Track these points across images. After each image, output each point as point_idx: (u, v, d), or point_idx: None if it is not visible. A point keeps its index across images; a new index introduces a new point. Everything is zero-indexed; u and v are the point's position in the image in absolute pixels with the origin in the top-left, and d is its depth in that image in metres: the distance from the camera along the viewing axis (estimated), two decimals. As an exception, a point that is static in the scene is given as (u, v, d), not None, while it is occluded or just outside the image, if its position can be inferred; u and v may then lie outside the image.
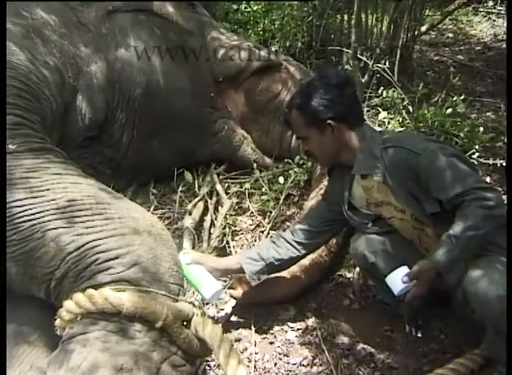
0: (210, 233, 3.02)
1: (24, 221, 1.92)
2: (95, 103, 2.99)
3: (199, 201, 3.24)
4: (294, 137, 3.53)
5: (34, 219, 1.92)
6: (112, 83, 3.11)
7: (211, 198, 3.31)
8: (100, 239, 1.92)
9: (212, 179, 3.48)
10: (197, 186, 3.39)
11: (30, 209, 1.93)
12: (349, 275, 2.76)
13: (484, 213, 1.87)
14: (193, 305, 1.98)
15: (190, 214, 3.11)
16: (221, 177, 3.54)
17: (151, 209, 3.22)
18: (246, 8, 5.70)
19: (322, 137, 2.17)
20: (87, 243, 1.91)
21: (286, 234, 2.45)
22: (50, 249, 1.91)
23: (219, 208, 3.24)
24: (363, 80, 3.86)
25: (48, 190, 2.00)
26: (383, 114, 4.10)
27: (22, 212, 1.92)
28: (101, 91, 3.03)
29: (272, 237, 2.72)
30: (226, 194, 3.35)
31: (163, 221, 3.13)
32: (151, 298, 1.84)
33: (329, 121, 2.13)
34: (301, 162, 3.41)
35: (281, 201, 3.24)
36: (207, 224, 3.09)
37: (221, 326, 1.87)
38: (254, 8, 5.59)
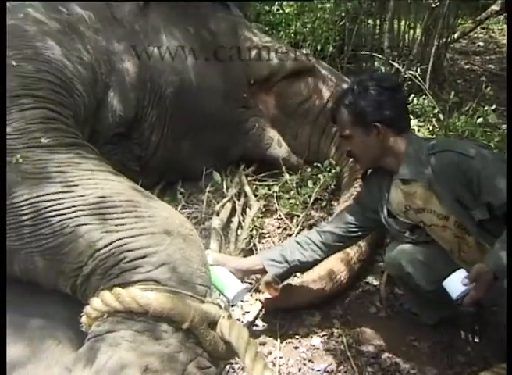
0: (237, 235, 3.01)
1: (54, 215, 1.92)
2: (126, 100, 3.00)
3: (227, 202, 3.23)
4: (322, 141, 3.56)
5: (64, 214, 1.92)
6: (144, 81, 3.10)
7: (239, 200, 3.30)
8: (129, 237, 1.92)
9: (241, 180, 3.47)
10: (225, 187, 3.38)
11: (61, 204, 1.93)
12: (376, 283, 2.74)
13: None
14: (220, 307, 1.97)
15: (218, 215, 3.11)
16: (249, 179, 3.53)
17: (179, 208, 3.21)
18: (278, 10, 5.70)
19: (367, 138, 2.14)
20: (116, 240, 1.90)
21: (313, 235, 2.42)
22: (78, 245, 1.91)
23: (247, 209, 3.24)
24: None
25: (78, 185, 2.00)
26: (413, 121, 4.08)
27: (52, 206, 1.92)
28: (132, 89, 3.03)
29: (296, 237, 2.70)
30: (255, 196, 3.34)
31: (190, 221, 3.12)
32: (179, 299, 1.83)
33: (376, 123, 2.09)
34: (330, 166, 3.40)
35: (309, 205, 3.23)
36: (234, 225, 3.08)
37: (247, 329, 1.87)
38: (286, 11, 5.58)
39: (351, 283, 2.69)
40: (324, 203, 3.30)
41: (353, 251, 2.69)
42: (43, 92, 2.29)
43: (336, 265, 2.57)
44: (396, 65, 4.26)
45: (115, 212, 1.98)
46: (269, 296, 2.48)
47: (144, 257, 1.89)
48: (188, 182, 3.50)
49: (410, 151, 2.12)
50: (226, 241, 2.95)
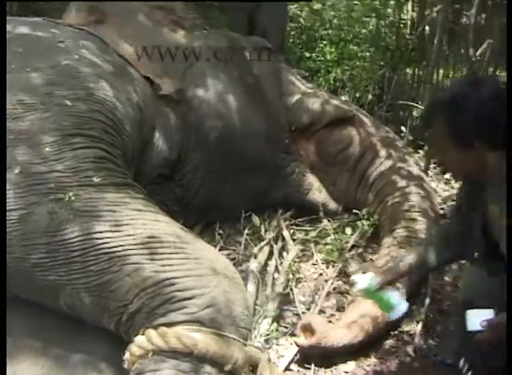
0: (274, 279, 3.04)
1: (103, 253, 1.98)
2: (171, 142, 3.09)
3: (265, 245, 3.28)
4: (360, 189, 3.57)
5: (113, 253, 1.99)
6: (189, 125, 3.20)
7: (276, 243, 3.34)
8: (176, 278, 1.97)
9: (279, 224, 3.51)
10: (263, 230, 3.42)
11: (110, 243, 2.00)
12: (411, 331, 2.73)
13: None
14: (260, 350, 2.00)
15: (256, 257, 3.15)
16: (287, 223, 3.57)
17: (217, 249, 3.26)
18: (318, 56, 5.82)
19: (464, 153, 1.96)
20: (163, 280, 1.96)
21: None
22: (125, 283, 1.97)
23: (284, 253, 3.27)
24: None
25: (128, 224, 2.07)
26: (450, 173, 4.11)
27: (101, 244, 1.99)
28: (177, 131, 3.13)
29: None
30: (292, 240, 3.38)
31: (228, 262, 3.20)
32: (223, 341, 1.87)
33: (476, 141, 1.91)
34: (368, 214, 3.43)
35: (346, 252, 3.26)
36: (271, 269, 3.11)
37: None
38: (327, 57, 5.71)
39: (386, 331, 2.69)
40: (360, 250, 3.33)
41: None
42: (95, 132, 2.38)
43: (372, 311, 2.58)
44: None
45: (162, 253, 2.04)
46: (305, 340, 2.49)
47: (191, 298, 1.94)
48: (226, 223, 3.55)
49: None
50: (263, 284, 2.98)
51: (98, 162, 2.27)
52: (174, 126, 3.13)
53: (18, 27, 2.79)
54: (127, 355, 1.96)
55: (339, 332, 2.53)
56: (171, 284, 1.97)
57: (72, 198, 2.07)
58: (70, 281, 2.00)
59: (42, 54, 2.63)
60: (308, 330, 2.50)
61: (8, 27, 2.73)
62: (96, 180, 2.18)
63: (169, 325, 1.91)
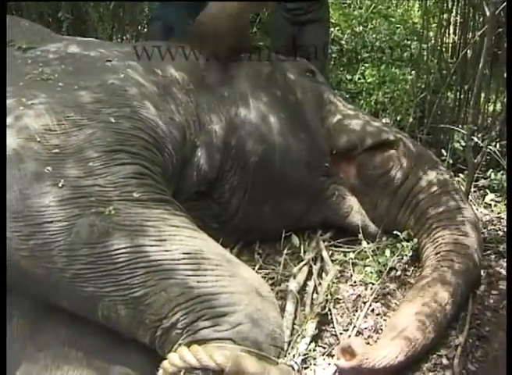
0: (312, 299, 3.07)
1: (140, 267, 2.06)
2: (211, 161, 3.16)
3: (304, 265, 3.31)
4: (401, 213, 3.55)
5: (150, 267, 2.06)
6: (229, 147, 3.26)
7: (315, 264, 3.37)
8: (210, 294, 2.03)
9: (318, 245, 3.54)
10: (302, 250, 3.46)
11: (147, 257, 2.07)
12: (449, 355, 2.72)
13: None
14: (293, 368, 2.02)
15: (295, 277, 3.19)
16: (326, 244, 3.59)
17: (256, 268, 3.32)
18: (359, 79, 5.86)
19: None
20: (196, 297, 2.02)
21: None
22: (161, 298, 2.03)
23: (323, 274, 3.30)
24: (475, 161, 3.85)
25: (166, 240, 2.14)
26: (490, 196, 4.11)
27: (139, 258, 2.07)
28: (218, 151, 3.20)
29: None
30: (331, 261, 3.40)
31: (267, 281, 3.23)
32: (254, 360, 1.90)
33: None
34: (408, 237, 3.42)
35: (384, 275, 3.26)
36: (310, 289, 3.15)
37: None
38: (368, 80, 5.74)
39: (424, 355, 2.69)
40: (398, 273, 3.32)
41: (428, 321, 2.69)
42: (137, 149, 2.47)
43: (412, 333, 2.59)
44: (476, 139, 4.28)
45: (198, 269, 2.11)
46: (346, 362, 2.49)
47: (223, 316, 1.99)
48: (266, 243, 3.61)
49: None
50: (302, 304, 3.02)
51: (139, 178, 2.36)
52: (215, 146, 3.20)
53: (70, 47, 2.98)
54: (160, 372, 2.00)
55: (379, 353, 2.54)
56: (204, 301, 2.02)
57: (112, 212, 2.16)
58: (108, 293, 2.07)
59: (90, 73, 2.76)
60: (348, 352, 2.51)
61: (61, 46, 2.90)
62: (136, 195, 2.27)
63: (201, 342, 1.96)
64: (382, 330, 2.88)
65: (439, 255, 3.10)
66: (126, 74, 2.87)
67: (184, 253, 2.14)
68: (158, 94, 2.93)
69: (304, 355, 2.62)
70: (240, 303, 2.04)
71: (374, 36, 6.65)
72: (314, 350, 2.69)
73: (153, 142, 2.62)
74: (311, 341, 2.70)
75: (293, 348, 2.67)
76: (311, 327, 2.78)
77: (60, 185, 2.15)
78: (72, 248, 2.07)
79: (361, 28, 6.83)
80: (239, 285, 2.12)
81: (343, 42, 6.72)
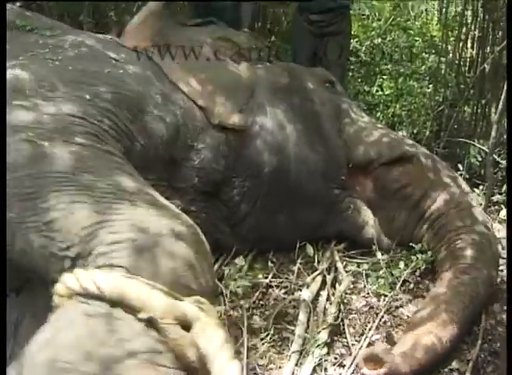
0: (325, 309, 3.09)
1: (54, 191, 2.02)
2: (215, 165, 3.20)
3: (318, 275, 3.33)
4: (418, 227, 3.55)
5: (63, 191, 2.02)
6: (242, 154, 3.30)
7: (329, 274, 3.39)
8: (115, 221, 1.96)
9: (332, 255, 3.57)
10: (316, 260, 3.49)
11: (62, 182, 2.05)
12: (461, 369, 2.72)
13: None
14: (202, 310, 1.81)
15: (308, 287, 3.21)
16: (340, 254, 3.61)
17: (270, 277, 3.35)
18: (377, 91, 5.88)
19: None
20: (101, 222, 1.95)
21: None
22: (68, 222, 1.95)
23: (336, 284, 3.32)
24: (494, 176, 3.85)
25: (88, 172, 2.13)
26: (505, 211, 4.10)
27: (54, 182, 2.05)
28: (223, 157, 3.23)
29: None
30: (345, 272, 3.42)
31: (280, 290, 3.27)
32: (143, 289, 1.74)
33: None
34: (423, 249, 3.43)
35: (398, 287, 3.27)
36: (323, 299, 3.16)
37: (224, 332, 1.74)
38: (386, 92, 5.76)
39: (435, 368, 2.69)
40: (411, 286, 3.34)
41: (444, 333, 2.69)
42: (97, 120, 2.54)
43: (423, 347, 2.59)
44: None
45: (113, 199, 2.05)
46: (372, 371, 2.49)
47: (122, 243, 1.88)
48: (280, 252, 3.62)
49: None
50: (314, 314, 3.04)
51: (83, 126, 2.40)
52: (222, 150, 3.23)
53: (86, 39, 3.09)
54: (54, 297, 1.84)
55: (406, 361, 2.53)
56: (105, 227, 1.94)
57: (46, 144, 2.16)
58: (22, 220, 2.00)
59: (90, 61, 2.89)
60: (373, 360, 2.51)
61: (78, 38, 3.05)
62: (77, 139, 2.28)
63: (90, 267, 1.83)
64: (393, 342, 2.85)
65: (455, 269, 3.09)
66: (133, 71, 2.98)
67: (106, 184, 2.10)
68: (160, 95, 3.02)
69: (316, 364, 2.65)
70: (147, 233, 1.92)
71: (392, 48, 6.66)
72: (325, 360, 2.71)
73: (116, 129, 2.65)
74: (322, 351, 2.73)
75: (304, 356, 2.70)
76: (322, 337, 2.81)
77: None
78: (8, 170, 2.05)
79: (380, 40, 6.85)
80: (154, 216, 2.03)
81: (362, 54, 6.74)
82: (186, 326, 1.72)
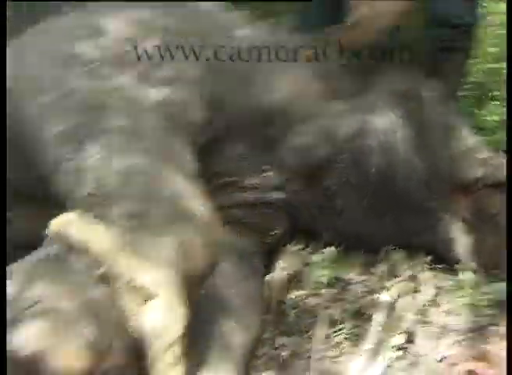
0: (401, 315, 3.11)
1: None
2: (314, 150, 3.27)
3: (400, 281, 3.36)
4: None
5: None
6: (348, 148, 3.34)
7: (411, 282, 3.39)
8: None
9: (419, 265, 3.56)
10: (401, 267, 3.50)
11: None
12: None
13: None
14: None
15: (389, 290, 3.25)
16: (426, 266, 3.59)
17: (354, 273, 3.42)
18: (486, 115, 5.76)
19: None
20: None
21: None
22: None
23: (416, 295, 3.32)
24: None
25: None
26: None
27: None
28: (324, 146, 3.29)
29: None
30: (427, 284, 3.41)
31: (361, 288, 3.31)
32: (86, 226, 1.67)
33: None
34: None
35: (478, 309, 3.21)
36: (400, 306, 3.18)
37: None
38: (495, 118, 5.62)
39: None
40: (493, 311, 3.28)
41: None
42: None
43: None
44: None
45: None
46: None
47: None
48: (368, 252, 3.64)
49: None
50: (391, 318, 3.07)
51: None
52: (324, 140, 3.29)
53: None
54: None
55: None
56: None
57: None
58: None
59: None
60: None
61: None
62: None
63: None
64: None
65: None
66: None
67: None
68: None
69: (387, 366, 2.69)
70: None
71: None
72: (395, 364, 2.74)
73: None
74: (394, 354, 2.77)
75: (375, 356, 2.75)
76: (397, 341, 2.84)
77: None
78: None
79: (498, 65, 6.69)
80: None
81: (475, 76, 6.62)
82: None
